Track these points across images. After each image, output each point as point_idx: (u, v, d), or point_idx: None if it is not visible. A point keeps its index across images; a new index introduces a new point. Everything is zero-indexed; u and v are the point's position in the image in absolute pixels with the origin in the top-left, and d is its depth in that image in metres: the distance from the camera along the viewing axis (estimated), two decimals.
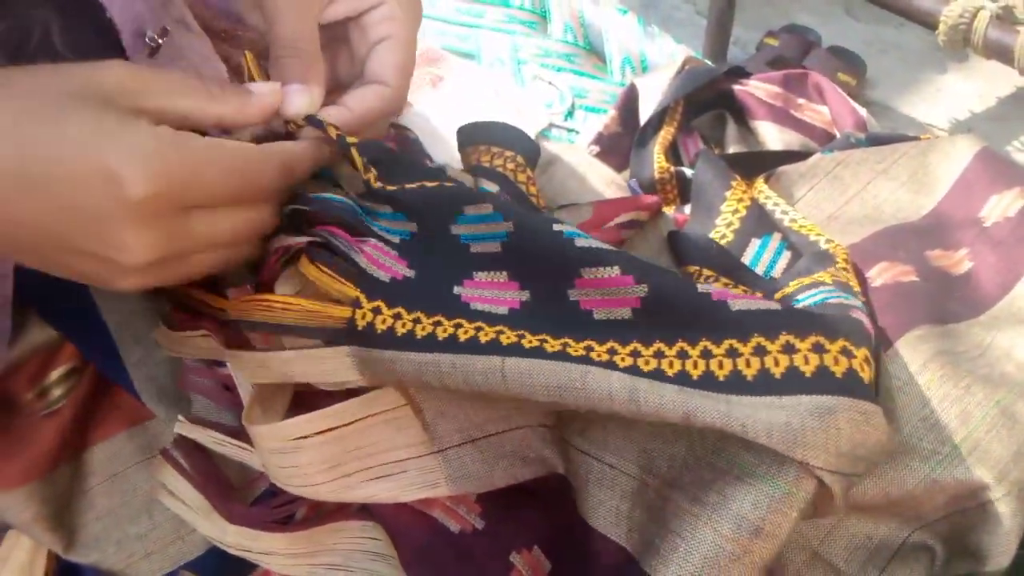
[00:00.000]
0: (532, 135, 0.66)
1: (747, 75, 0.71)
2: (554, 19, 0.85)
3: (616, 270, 0.35)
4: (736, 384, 0.32)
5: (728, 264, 0.44)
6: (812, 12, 1.62)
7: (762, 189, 0.52)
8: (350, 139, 0.38)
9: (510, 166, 0.44)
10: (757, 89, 0.69)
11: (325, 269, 0.35)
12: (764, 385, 0.31)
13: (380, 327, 0.34)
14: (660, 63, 0.80)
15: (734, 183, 0.49)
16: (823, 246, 0.45)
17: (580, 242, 0.36)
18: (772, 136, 0.67)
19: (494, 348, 0.33)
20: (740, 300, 0.34)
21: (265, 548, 0.38)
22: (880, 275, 0.43)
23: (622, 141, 0.72)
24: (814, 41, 1.48)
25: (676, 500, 0.33)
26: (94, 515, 0.43)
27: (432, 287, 0.36)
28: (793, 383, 0.31)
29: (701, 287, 0.35)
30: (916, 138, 0.57)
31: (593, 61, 0.83)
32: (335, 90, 0.40)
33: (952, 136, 0.54)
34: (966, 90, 1.42)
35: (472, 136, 0.47)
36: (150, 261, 0.32)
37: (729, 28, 1.45)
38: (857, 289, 0.40)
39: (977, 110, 1.41)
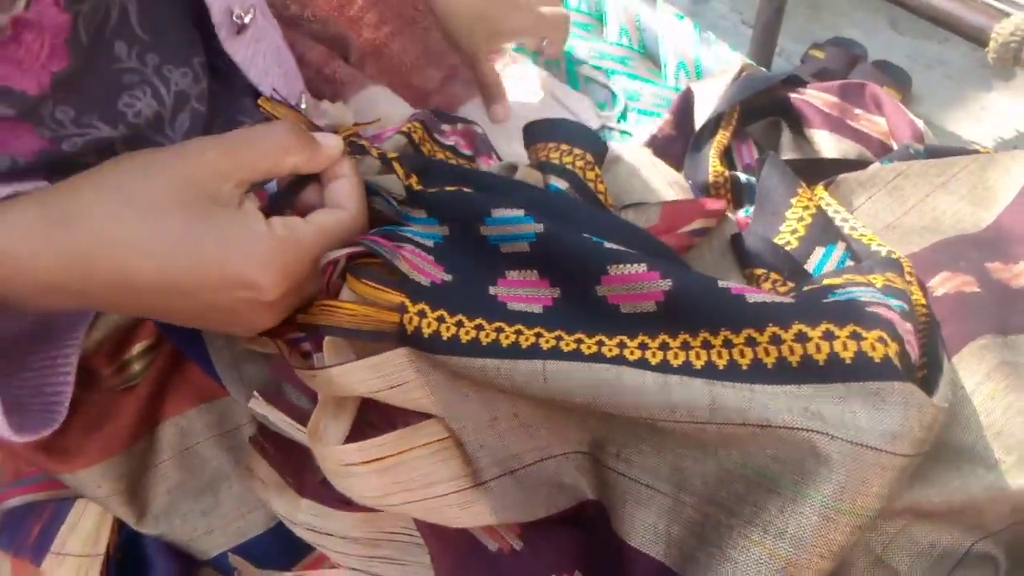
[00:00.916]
0: None
1: (803, 84, 0.71)
2: (610, 22, 0.86)
3: (643, 267, 0.36)
4: (758, 373, 0.34)
5: (793, 268, 0.45)
6: (857, 26, 1.61)
7: (823, 196, 0.52)
8: (390, 154, 0.41)
9: (579, 163, 0.45)
10: (814, 98, 0.69)
11: (369, 283, 0.37)
12: (782, 373, 0.34)
13: (427, 331, 0.36)
14: (714, 69, 0.80)
15: (800, 190, 0.50)
16: (884, 255, 0.45)
17: (608, 244, 0.38)
18: (828, 145, 0.68)
19: (535, 352, 0.35)
20: (757, 294, 0.35)
21: (332, 528, 0.39)
22: (942, 284, 0.44)
23: (675, 144, 0.72)
24: (860, 55, 1.47)
25: (715, 515, 0.35)
26: (164, 488, 0.45)
27: (469, 288, 0.38)
28: (809, 372, 0.33)
29: (722, 283, 0.36)
30: (975, 152, 0.57)
31: (647, 65, 0.84)
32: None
33: (1012, 152, 0.54)
34: (1012, 108, 1.41)
35: (540, 133, 0.48)
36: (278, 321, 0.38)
37: (775, 39, 1.45)
38: (917, 298, 0.40)
39: (1023, 129, 1.40)
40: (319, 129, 0.42)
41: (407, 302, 0.37)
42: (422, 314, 0.37)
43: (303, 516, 0.40)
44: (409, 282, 0.37)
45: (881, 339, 0.33)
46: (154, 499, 0.44)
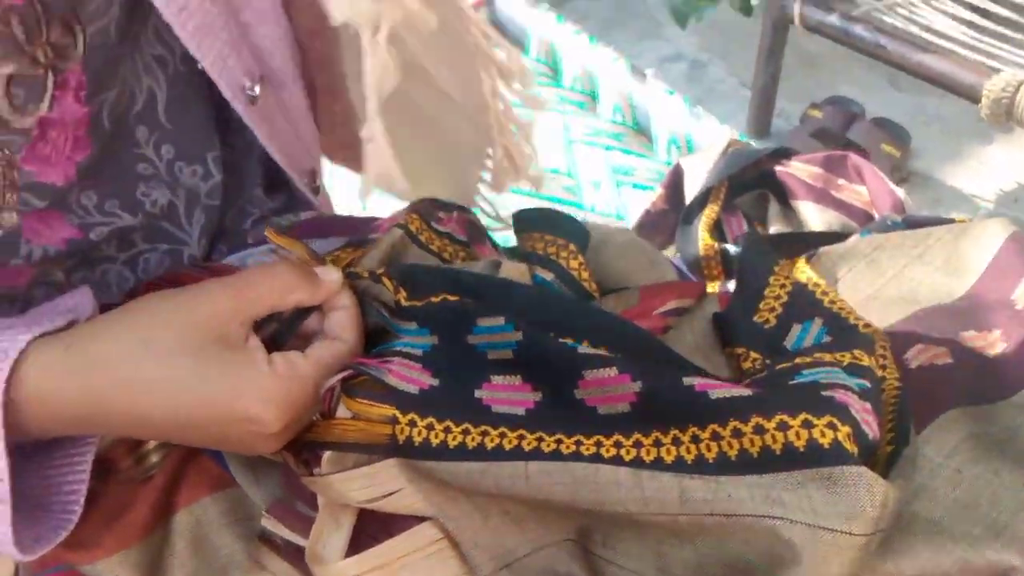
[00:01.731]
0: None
1: (789, 156, 0.74)
2: (603, 99, 0.90)
3: (614, 370, 0.39)
4: (724, 465, 0.37)
5: (772, 347, 0.47)
6: (856, 83, 1.65)
7: (804, 270, 0.55)
8: (379, 271, 0.44)
9: (563, 254, 0.48)
10: (798, 170, 0.72)
11: (361, 400, 0.40)
12: (744, 464, 0.37)
13: (417, 439, 0.39)
14: (705, 143, 0.84)
15: (777, 268, 0.52)
16: (862, 330, 0.47)
17: (582, 349, 0.41)
18: (813, 216, 0.70)
19: (518, 454, 0.39)
20: (719, 389, 0.38)
21: (348, 572, 0.41)
22: (916, 357, 0.46)
23: (668, 218, 0.75)
24: (858, 113, 1.51)
25: None
26: (181, 575, 0.47)
27: (456, 392, 0.41)
28: (768, 461, 0.36)
29: (687, 379, 0.39)
30: (951, 221, 0.59)
31: (641, 140, 0.88)
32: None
33: (984, 220, 0.56)
34: (1011, 161, 1.43)
35: (528, 223, 0.51)
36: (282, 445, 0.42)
37: (773, 100, 1.49)
38: (890, 372, 0.42)
39: (1023, 181, 1.42)
40: (321, 261, 0.46)
41: (397, 413, 0.40)
42: (412, 423, 0.40)
43: None
44: (398, 393, 0.40)
45: (831, 424, 0.35)
46: None
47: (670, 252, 0.64)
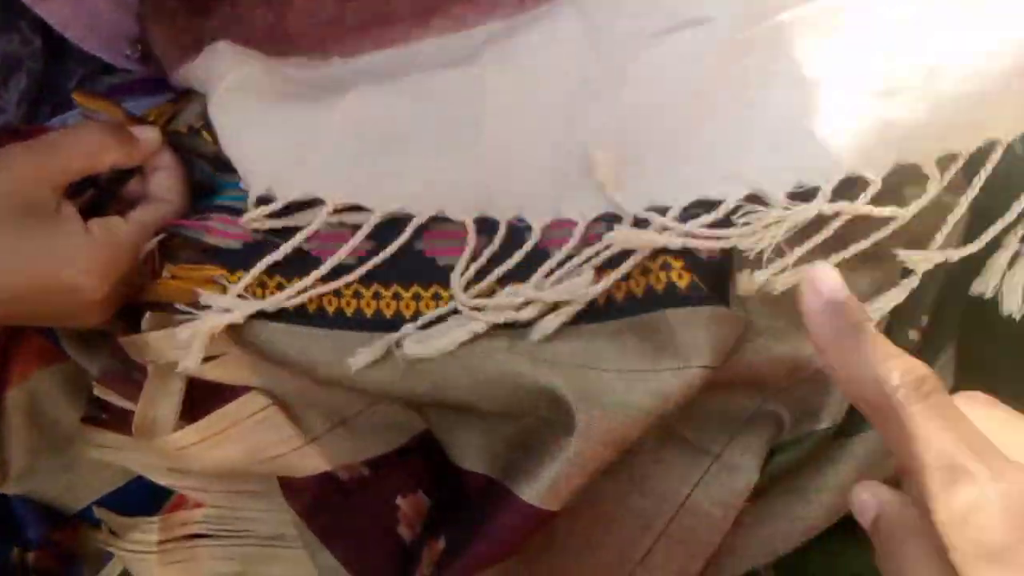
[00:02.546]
0: None
1: None
2: None
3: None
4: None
5: None
6: None
7: None
8: (199, 124, 0.42)
9: None
10: None
11: (184, 265, 0.38)
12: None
13: (250, 296, 0.38)
14: None
15: None
16: None
17: None
18: None
19: (359, 318, 0.38)
20: (562, 247, 0.37)
21: (180, 443, 0.40)
22: None
23: None
24: None
25: (528, 424, 0.37)
26: (22, 450, 0.46)
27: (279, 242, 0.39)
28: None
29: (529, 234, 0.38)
30: None
31: None
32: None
33: None
34: None
35: None
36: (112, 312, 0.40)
37: None
38: None
39: None
40: (139, 120, 0.43)
41: (224, 272, 0.38)
42: (242, 281, 0.38)
43: (161, 463, 0.42)
44: (221, 251, 0.38)
45: (645, 268, 0.36)
46: (13, 460, 0.45)
47: None
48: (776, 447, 0.36)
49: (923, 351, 0.38)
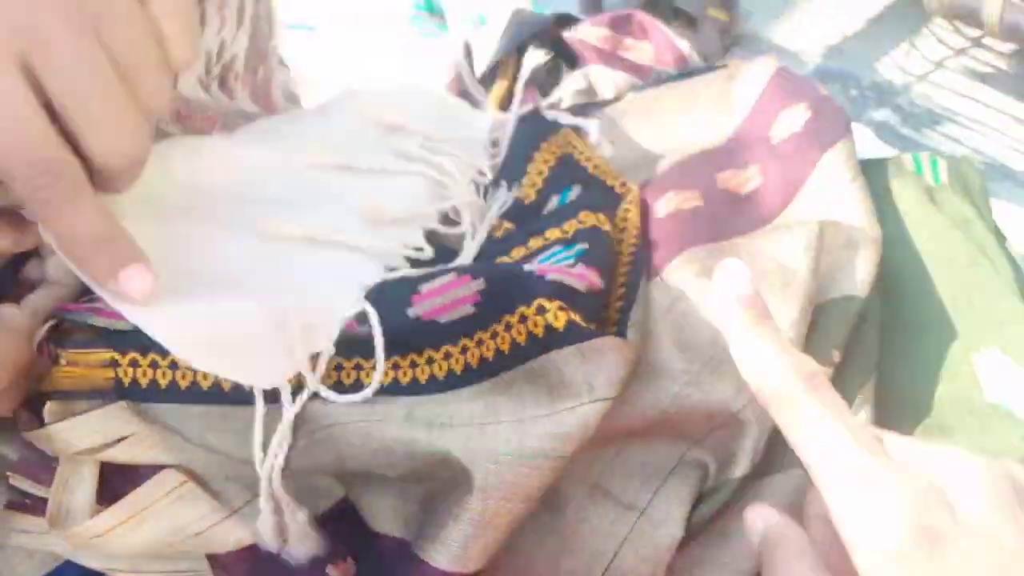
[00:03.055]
0: None
1: (577, 21, 0.72)
2: None
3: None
4: (451, 381, 0.36)
5: (525, 215, 0.46)
6: None
7: (572, 141, 0.53)
8: None
9: None
10: (587, 34, 0.70)
11: (76, 350, 0.37)
12: (468, 376, 0.36)
13: (143, 380, 0.36)
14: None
15: (543, 144, 0.50)
16: (618, 190, 0.46)
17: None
18: (603, 78, 0.68)
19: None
20: (447, 313, 0.37)
21: (96, 530, 0.38)
22: (665, 205, 0.45)
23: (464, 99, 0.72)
24: None
25: (434, 488, 0.36)
26: None
27: None
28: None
29: (411, 311, 0.37)
30: (724, 67, 0.58)
31: (436, 21, 0.83)
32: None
33: (753, 60, 0.55)
34: (836, 14, 1.44)
35: None
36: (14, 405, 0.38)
37: None
38: (623, 227, 0.42)
39: (848, 32, 1.44)
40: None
41: (116, 355, 0.37)
42: (134, 363, 0.37)
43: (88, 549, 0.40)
44: (110, 334, 0.37)
45: (522, 317, 0.35)
46: None
47: None
48: (700, 496, 0.36)
49: (838, 386, 0.38)
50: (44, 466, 0.41)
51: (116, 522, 0.37)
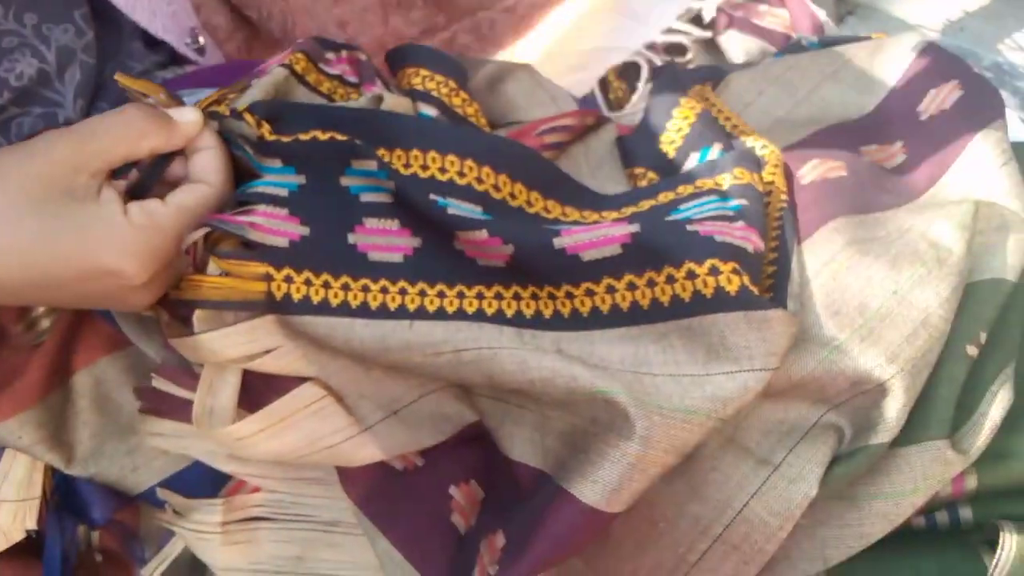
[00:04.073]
0: None
1: None
2: None
3: (484, 233, 0.38)
4: (596, 319, 0.38)
5: (668, 167, 0.46)
6: None
7: (709, 98, 0.53)
8: (240, 107, 0.41)
9: (443, 90, 0.46)
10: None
11: (232, 260, 0.38)
12: (616, 318, 0.37)
13: (296, 296, 0.38)
14: None
15: (683, 99, 0.51)
16: (759, 152, 0.46)
17: (451, 210, 0.39)
18: (734, 44, 0.68)
19: (402, 313, 0.38)
20: (591, 250, 0.38)
21: (239, 434, 0.41)
22: (810, 172, 0.45)
23: None
24: None
25: (581, 426, 0.37)
26: (87, 433, 0.47)
27: (328, 240, 0.39)
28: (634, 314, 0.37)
29: (557, 241, 0.38)
30: (867, 38, 0.57)
31: None
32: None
33: (898, 36, 0.54)
34: None
35: (402, 59, 0.49)
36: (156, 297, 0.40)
37: None
38: (769, 190, 0.42)
39: (970, 8, 1.38)
40: (179, 102, 0.43)
41: (271, 270, 0.38)
42: (289, 279, 0.38)
43: (215, 444, 0.43)
44: (267, 249, 0.38)
45: (689, 273, 0.36)
46: (79, 444, 0.47)
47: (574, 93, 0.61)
48: (834, 459, 0.37)
49: (980, 366, 0.38)
50: (185, 370, 0.44)
51: (258, 428, 0.40)
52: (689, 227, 0.38)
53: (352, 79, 0.51)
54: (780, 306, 0.36)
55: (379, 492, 0.43)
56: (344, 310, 0.38)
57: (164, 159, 0.41)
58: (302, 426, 0.40)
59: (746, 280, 0.35)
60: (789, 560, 0.37)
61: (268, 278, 0.38)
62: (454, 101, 0.46)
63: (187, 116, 0.40)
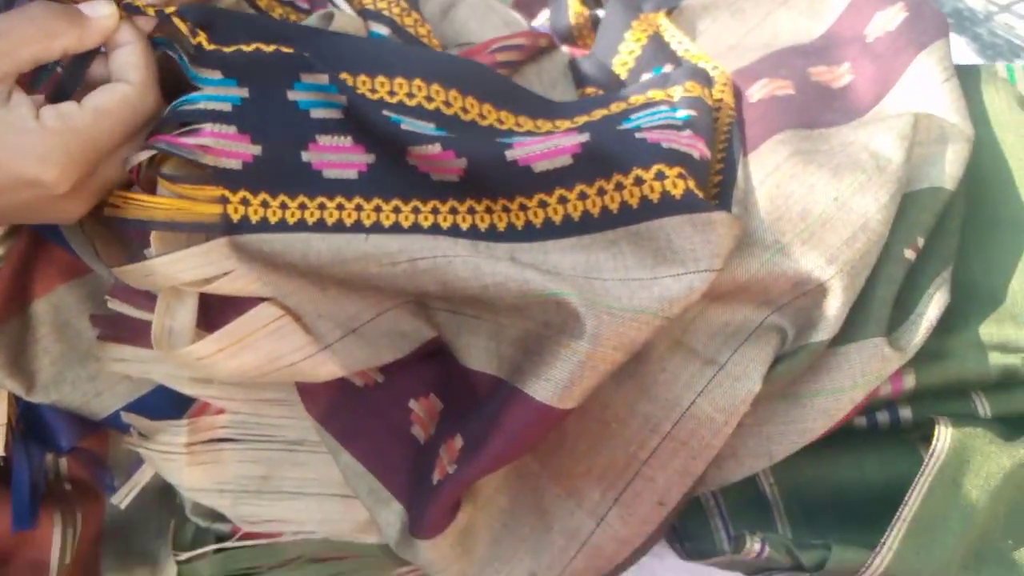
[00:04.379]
0: None
1: None
2: None
3: (437, 147, 0.38)
4: (549, 230, 0.39)
5: (620, 88, 0.47)
6: None
7: (662, 23, 0.54)
8: (168, 9, 0.39)
9: (395, 9, 0.46)
10: None
11: (184, 185, 0.37)
12: (568, 227, 0.38)
13: (254, 218, 0.38)
14: None
15: (634, 22, 0.51)
16: (710, 72, 0.47)
17: (405, 126, 0.39)
18: None
19: (358, 227, 0.38)
20: (541, 161, 0.39)
21: (199, 353, 0.40)
22: (759, 91, 0.46)
23: None
24: None
25: (534, 330, 0.38)
26: (48, 360, 0.47)
27: (281, 159, 0.39)
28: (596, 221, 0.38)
29: (509, 154, 0.39)
30: None
31: None
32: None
33: None
34: None
35: None
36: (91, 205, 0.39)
37: None
38: (718, 105, 0.43)
39: None
40: None
41: (227, 193, 0.38)
42: (245, 202, 0.38)
43: (184, 373, 0.43)
44: (220, 172, 0.38)
45: (637, 180, 0.37)
46: (40, 371, 0.47)
47: (526, 18, 0.62)
48: (777, 358, 0.38)
49: (918, 270, 0.40)
50: (140, 291, 0.43)
51: (217, 348, 0.40)
52: (638, 135, 0.38)
53: (304, 6, 0.51)
54: (725, 210, 0.37)
55: (340, 408, 0.44)
56: (301, 227, 0.39)
57: (83, 60, 0.38)
58: (261, 345, 0.40)
59: (691, 184, 0.36)
60: (736, 458, 0.39)
61: (224, 200, 0.38)
62: (406, 21, 0.46)
63: (100, 10, 0.37)
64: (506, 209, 0.39)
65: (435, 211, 0.39)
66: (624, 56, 0.49)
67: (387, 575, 0.47)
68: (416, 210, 0.39)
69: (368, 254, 0.38)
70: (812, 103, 0.45)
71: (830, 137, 0.43)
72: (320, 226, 0.39)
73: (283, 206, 0.39)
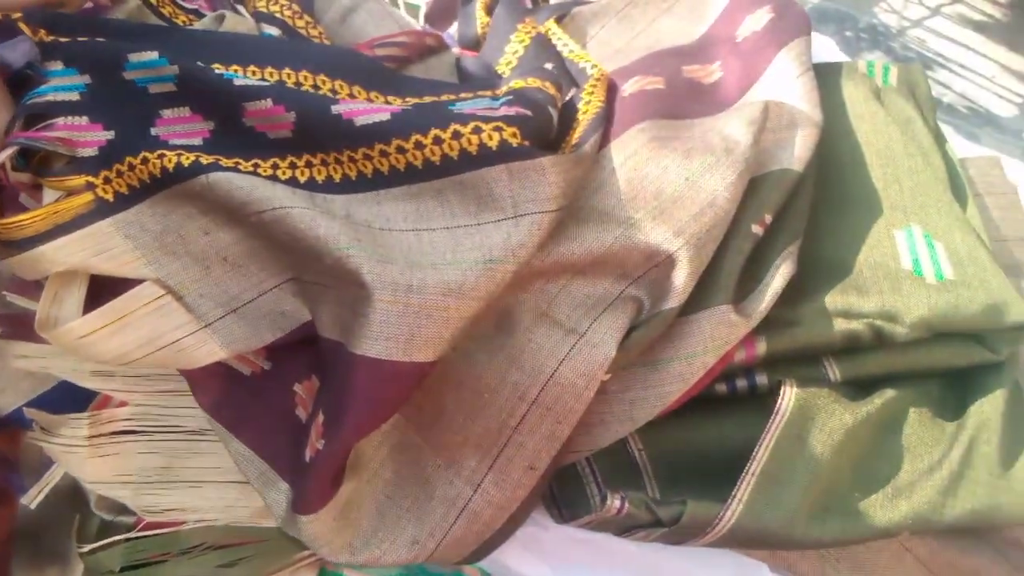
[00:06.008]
0: None
1: None
2: None
3: (269, 101, 0.41)
4: (378, 180, 0.41)
5: (496, 84, 0.50)
6: None
7: (550, 27, 0.57)
8: (15, 15, 0.42)
9: (287, 12, 0.49)
10: None
11: (53, 179, 0.40)
12: (395, 177, 0.41)
13: (122, 189, 0.40)
14: None
15: (520, 25, 0.54)
16: (589, 72, 0.50)
17: (238, 81, 0.42)
18: None
19: (196, 169, 0.40)
20: (363, 116, 0.41)
21: (79, 332, 0.42)
22: (632, 86, 0.49)
23: (454, 4, 0.76)
24: None
25: (353, 290, 0.40)
26: None
27: (132, 138, 0.41)
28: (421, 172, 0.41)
29: (335, 108, 0.41)
30: None
31: None
32: None
33: None
34: None
35: None
36: None
37: None
38: (595, 99, 0.46)
39: None
40: None
41: (90, 178, 0.40)
42: (107, 180, 0.40)
43: (85, 367, 0.44)
44: (80, 160, 0.40)
45: (457, 133, 0.40)
46: None
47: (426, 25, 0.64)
48: (633, 326, 0.41)
49: (767, 244, 0.43)
50: (36, 283, 0.43)
51: (99, 325, 0.41)
52: (456, 110, 0.42)
53: (206, 12, 0.53)
54: (547, 153, 0.40)
55: (228, 398, 0.45)
56: (154, 183, 0.41)
57: None
58: (143, 323, 0.42)
59: (507, 135, 0.39)
60: (604, 424, 0.41)
61: (91, 187, 0.40)
62: (297, 23, 0.49)
63: None
64: (338, 162, 0.42)
65: (275, 167, 0.41)
66: (509, 56, 0.52)
67: (288, 559, 0.48)
68: (256, 166, 0.41)
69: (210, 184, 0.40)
70: (680, 95, 0.48)
71: (693, 126, 0.46)
72: (165, 176, 0.41)
73: (132, 168, 0.41)
